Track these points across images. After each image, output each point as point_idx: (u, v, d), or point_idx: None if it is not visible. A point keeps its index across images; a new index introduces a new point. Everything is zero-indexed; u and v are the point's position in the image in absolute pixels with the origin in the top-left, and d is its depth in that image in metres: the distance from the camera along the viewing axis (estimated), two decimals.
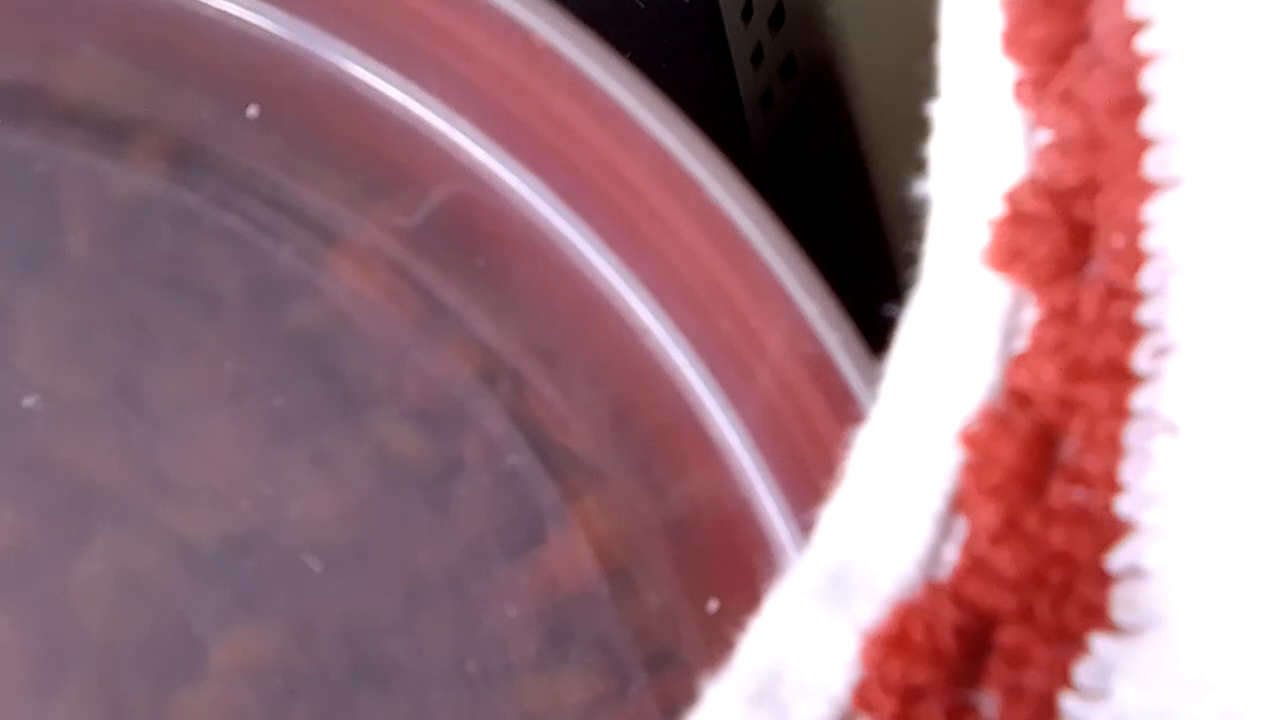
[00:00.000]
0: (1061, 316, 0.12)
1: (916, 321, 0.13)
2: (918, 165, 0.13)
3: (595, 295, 0.18)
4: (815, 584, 0.13)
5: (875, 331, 0.15)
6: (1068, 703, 0.11)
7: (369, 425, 0.19)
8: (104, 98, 0.19)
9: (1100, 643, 0.12)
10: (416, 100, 0.19)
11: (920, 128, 0.13)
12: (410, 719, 0.18)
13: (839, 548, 0.13)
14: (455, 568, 0.19)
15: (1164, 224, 0.12)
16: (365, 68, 0.19)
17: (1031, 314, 0.12)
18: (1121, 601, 0.12)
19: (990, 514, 0.12)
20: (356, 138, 0.19)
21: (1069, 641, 0.12)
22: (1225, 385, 0.11)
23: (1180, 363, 0.12)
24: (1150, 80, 0.12)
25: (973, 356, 0.13)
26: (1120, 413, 0.12)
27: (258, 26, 0.19)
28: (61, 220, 0.19)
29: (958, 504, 0.12)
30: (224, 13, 0.19)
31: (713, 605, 0.18)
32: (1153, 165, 0.12)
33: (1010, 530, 0.12)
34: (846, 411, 0.17)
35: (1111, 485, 0.12)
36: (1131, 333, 0.12)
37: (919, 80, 0.13)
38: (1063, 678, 0.12)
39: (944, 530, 0.12)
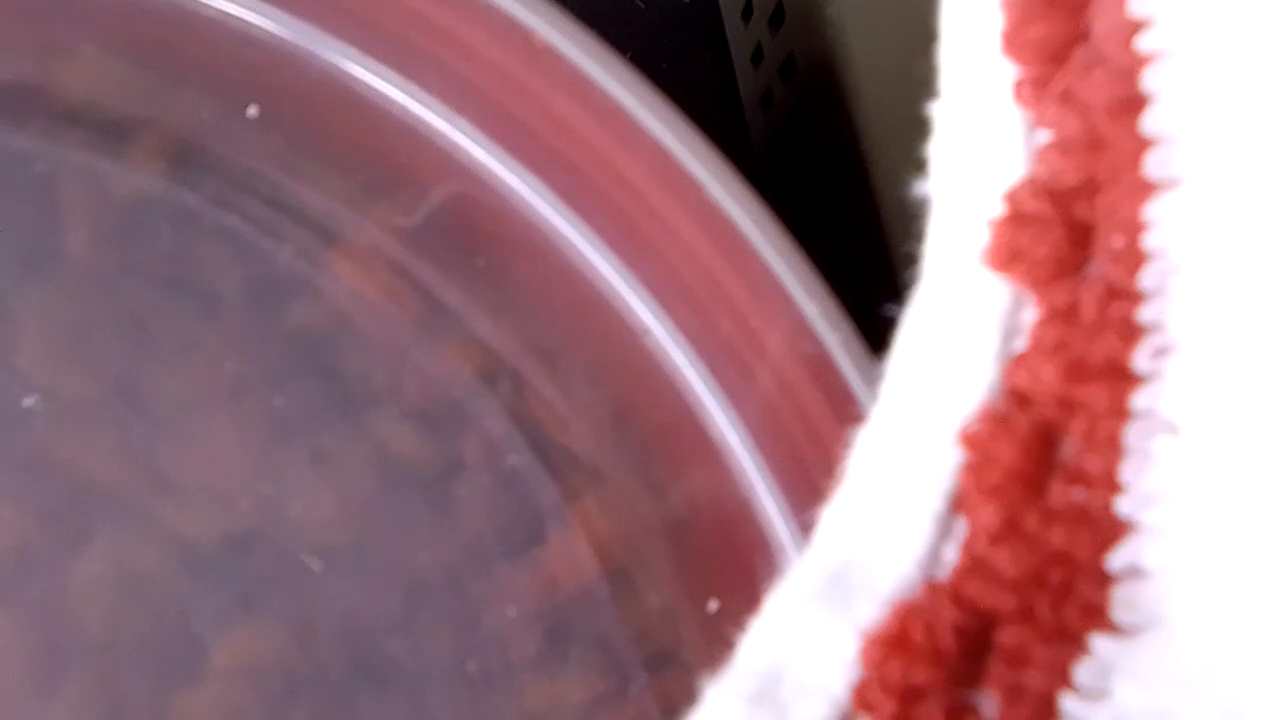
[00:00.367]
0: (1061, 316, 0.12)
1: (916, 321, 0.13)
2: (918, 165, 0.13)
3: (595, 295, 0.18)
4: (815, 584, 0.13)
5: (875, 331, 0.15)
6: (1068, 703, 0.11)
7: (369, 425, 0.19)
8: (104, 98, 0.19)
9: (1100, 643, 0.12)
10: (416, 100, 0.19)
11: (920, 128, 0.13)
12: (410, 719, 0.18)
13: (839, 548, 0.13)
14: (455, 568, 0.19)
15: (1164, 224, 0.12)
16: (365, 68, 0.19)
17: (1031, 314, 0.12)
18: (1121, 601, 0.12)
19: (990, 514, 0.12)
20: (356, 138, 0.19)
21: (1069, 641, 0.12)
22: (1225, 385, 0.11)
23: (1180, 363, 0.12)
24: (1150, 80, 0.12)
25: (972, 356, 0.13)
26: (1120, 413, 0.12)
27: (258, 26, 0.19)
28: (61, 220, 0.19)
29: (958, 504, 0.12)
30: (224, 13, 0.19)
31: (713, 605, 0.18)
32: (1152, 165, 0.12)
33: (1010, 530, 0.12)
34: (846, 411, 0.17)
35: (1111, 485, 0.12)
36: (1131, 333, 0.12)
37: (919, 80, 0.13)
38: (1063, 678, 0.12)
39: (944, 530, 0.12)
